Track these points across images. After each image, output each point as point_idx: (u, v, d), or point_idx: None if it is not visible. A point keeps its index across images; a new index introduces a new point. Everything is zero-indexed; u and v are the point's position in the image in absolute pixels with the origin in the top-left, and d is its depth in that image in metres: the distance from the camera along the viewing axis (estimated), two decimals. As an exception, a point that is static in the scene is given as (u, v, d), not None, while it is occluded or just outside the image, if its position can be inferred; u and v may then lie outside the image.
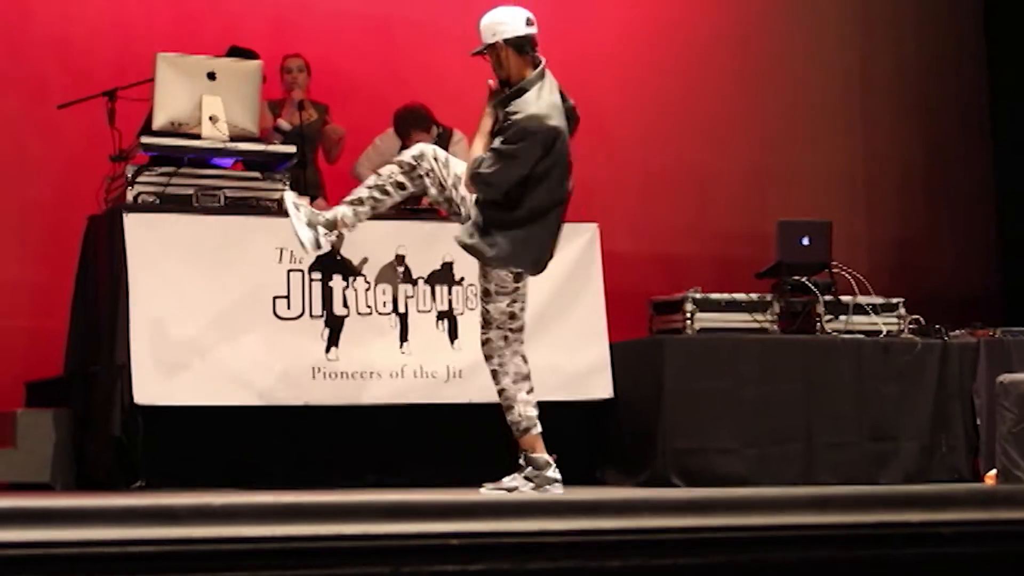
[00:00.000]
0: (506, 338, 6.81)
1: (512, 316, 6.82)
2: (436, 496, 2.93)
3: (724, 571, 3.00)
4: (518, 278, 6.79)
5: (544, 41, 10.54)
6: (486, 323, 6.82)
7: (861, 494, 3.44)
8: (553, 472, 6.71)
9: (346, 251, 7.75)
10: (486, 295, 6.82)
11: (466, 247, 6.76)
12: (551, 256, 6.90)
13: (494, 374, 6.82)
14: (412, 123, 8.99)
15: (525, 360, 6.88)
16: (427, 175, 6.77)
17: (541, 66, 6.80)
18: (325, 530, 2.72)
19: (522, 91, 6.72)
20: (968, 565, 3.11)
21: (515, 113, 6.67)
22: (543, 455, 6.74)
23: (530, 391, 6.83)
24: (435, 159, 6.79)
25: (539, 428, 6.78)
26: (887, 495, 3.48)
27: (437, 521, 2.82)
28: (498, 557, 2.83)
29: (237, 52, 8.66)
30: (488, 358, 6.83)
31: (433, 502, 2.88)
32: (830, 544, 3.08)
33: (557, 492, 6.62)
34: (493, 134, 6.74)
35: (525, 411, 6.77)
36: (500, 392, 6.82)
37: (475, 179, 6.68)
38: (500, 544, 2.83)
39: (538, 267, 6.88)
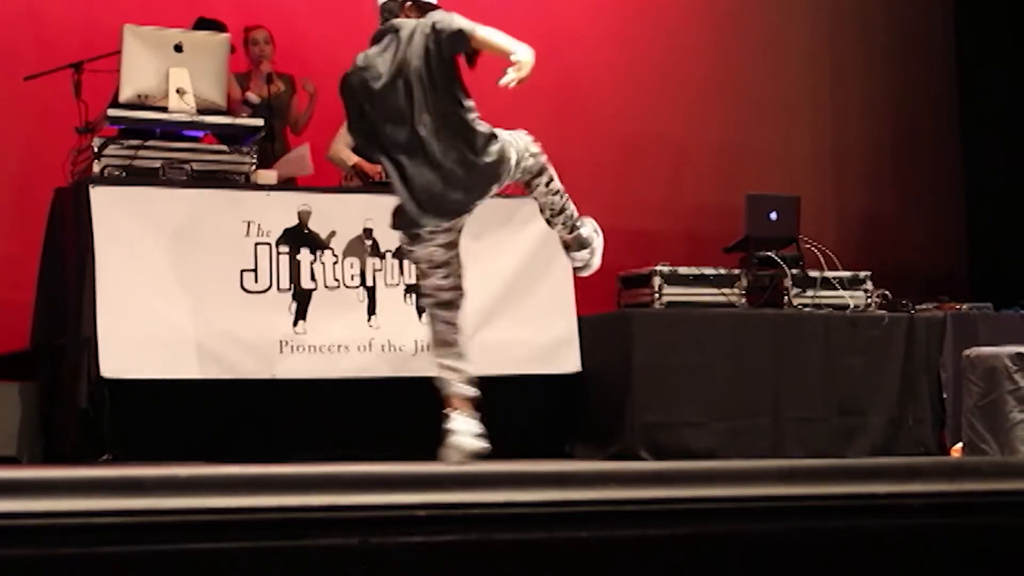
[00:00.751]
0: None
1: None
2: (403, 468, 2.92)
3: (692, 541, 3.00)
4: None
5: (520, 15, 10.53)
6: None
7: (828, 466, 3.45)
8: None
9: (314, 224, 7.73)
10: None
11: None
12: None
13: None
14: None
15: None
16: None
17: None
18: (292, 501, 2.70)
19: None
20: (935, 535, 3.12)
21: None
22: None
23: None
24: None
25: None
26: (854, 467, 3.48)
27: (404, 492, 2.81)
28: (465, 528, 2.82)
29: (205, 24, 8.62)
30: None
31: (400, 473, 2.88)
32: (798, 515, 3.08)
33: None
34: None
35: None
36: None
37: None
38: (467, 515, 2.82)
39: None
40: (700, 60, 11.31)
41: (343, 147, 9.10)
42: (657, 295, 8.56)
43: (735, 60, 11.45)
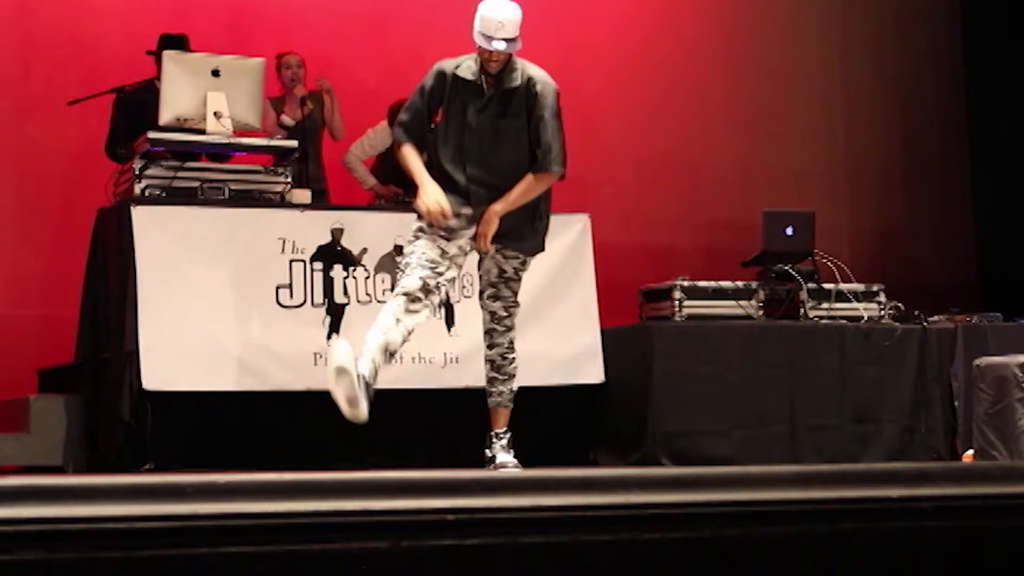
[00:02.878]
0: None
1: None
2: (433, 474, 2.93)
3: (711, 545, 3.01)
4: None
5: (537, 37, 10.53)
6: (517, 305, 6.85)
7: (843, 471, 3.45)
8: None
9: (346, 242, 7.75)
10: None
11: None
12: None
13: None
14: None
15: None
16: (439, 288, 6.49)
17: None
18: (326, 506, 2.72)
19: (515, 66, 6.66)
20: (946, 538, 3.12)
21: (534, 83, 6.62)
22: None
23: None
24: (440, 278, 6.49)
25: None
26: (868, 472, 3.48)
27: (434, 497, 2.82)
28: (492, 532, 2.83)
29: (169, 39, 8.62)
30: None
31: (430, 479, 2.89)
32: (813, 519, 3.08)
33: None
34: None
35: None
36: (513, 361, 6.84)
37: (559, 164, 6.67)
38: (494, 519, 2.83)
39: None
40: (716, 81, 11.32)
41: (357, 159, 9.15)
42: (677, 308, 8.55)
43: (750, 81, 11.45)
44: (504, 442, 6.78)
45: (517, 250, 6.72)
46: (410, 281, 6.34)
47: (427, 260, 6.39)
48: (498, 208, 6.54)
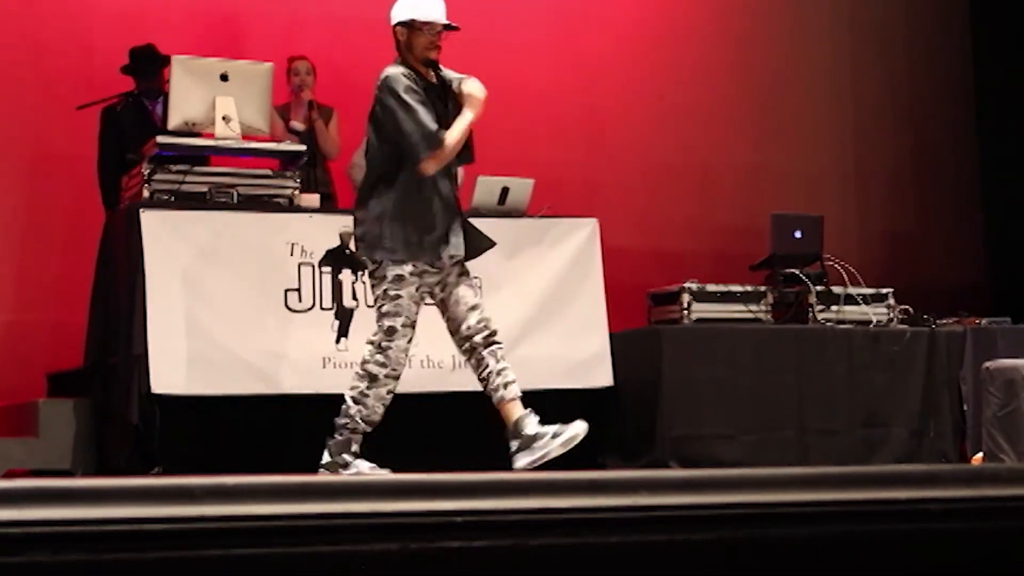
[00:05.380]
0: None
1: None
2: (442, 476, 2.93)
3: (719, 546, 3.01)
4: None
5: (548, 44, 10.58)
6: None
7: (852, 473, 3.45)
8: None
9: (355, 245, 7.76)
10: None
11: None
12: None
13: None
14: None
15: None
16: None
17: None
18: (335, 508, 2.72)
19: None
20: (955, 539, 3.12)
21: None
22: None
23: None
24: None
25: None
26: (877, 474, 3.48)
27: (443, 499, 2.83)
28: (500, 534, 2.83)
29: (140, 51, 8.65)
30: None
31: (439, 481, 2.89)
32: (822, 520, 3.08)
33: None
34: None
35: None
36: None
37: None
38: (502, 521, 2.84)
39: None
40: (725, 85, 11.32)
41: (360, 168, 9.16)
42: (686, 311, 8.56)
43: (759, 86, 11.46)
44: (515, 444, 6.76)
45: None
46: None
47: None
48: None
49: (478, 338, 6.47)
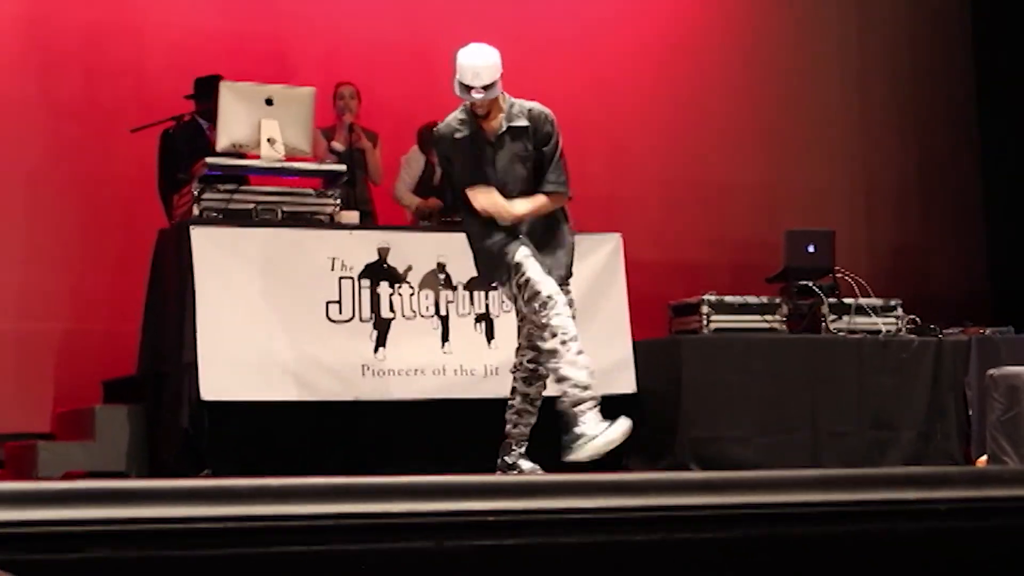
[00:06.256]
0: None
1: None
2: (474, 478, 2.93)
3: (738, 545, 3.00)
4: None
5: (566, 62, 10.57)
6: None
7: (863, 475, 3.44)
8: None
9: (392, 260, 7.76)
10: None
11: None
12: None
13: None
14: None
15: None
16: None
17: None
18: (374, 508, 2.73)
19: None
20: (962, 537, 3.10)
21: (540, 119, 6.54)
22: None
23: None
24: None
25: None
26: (888, 476, 3.47)
27: (475, 500, 2.83)
28: (530, 532, 2.83)
29: (203, 81, 8.68)
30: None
31: (472, 483, 2.89)
32: (835, 520, 3.07)
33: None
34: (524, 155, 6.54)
35: None
36: None
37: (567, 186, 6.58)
38: (532, 520, 2.84)
39: None
40: (739, 105, 11.31)
41: (404, 191, 9.18)
42: (705, 322, 8.55)
43: (771, 106, 11.44)
44: (523, 449, 6.77)
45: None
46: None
47: None
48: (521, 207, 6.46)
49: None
